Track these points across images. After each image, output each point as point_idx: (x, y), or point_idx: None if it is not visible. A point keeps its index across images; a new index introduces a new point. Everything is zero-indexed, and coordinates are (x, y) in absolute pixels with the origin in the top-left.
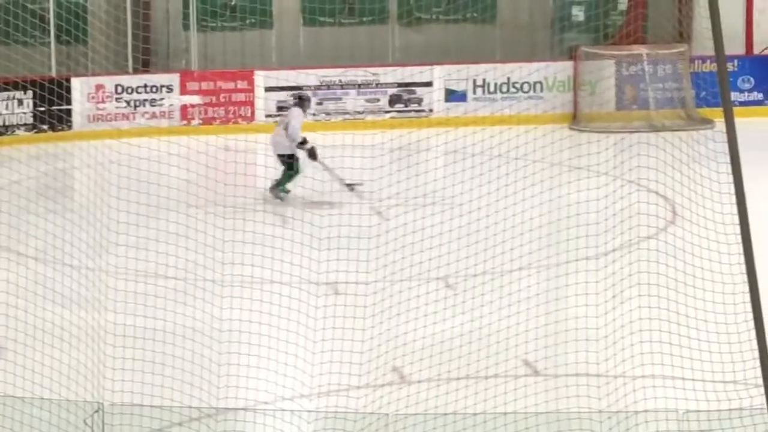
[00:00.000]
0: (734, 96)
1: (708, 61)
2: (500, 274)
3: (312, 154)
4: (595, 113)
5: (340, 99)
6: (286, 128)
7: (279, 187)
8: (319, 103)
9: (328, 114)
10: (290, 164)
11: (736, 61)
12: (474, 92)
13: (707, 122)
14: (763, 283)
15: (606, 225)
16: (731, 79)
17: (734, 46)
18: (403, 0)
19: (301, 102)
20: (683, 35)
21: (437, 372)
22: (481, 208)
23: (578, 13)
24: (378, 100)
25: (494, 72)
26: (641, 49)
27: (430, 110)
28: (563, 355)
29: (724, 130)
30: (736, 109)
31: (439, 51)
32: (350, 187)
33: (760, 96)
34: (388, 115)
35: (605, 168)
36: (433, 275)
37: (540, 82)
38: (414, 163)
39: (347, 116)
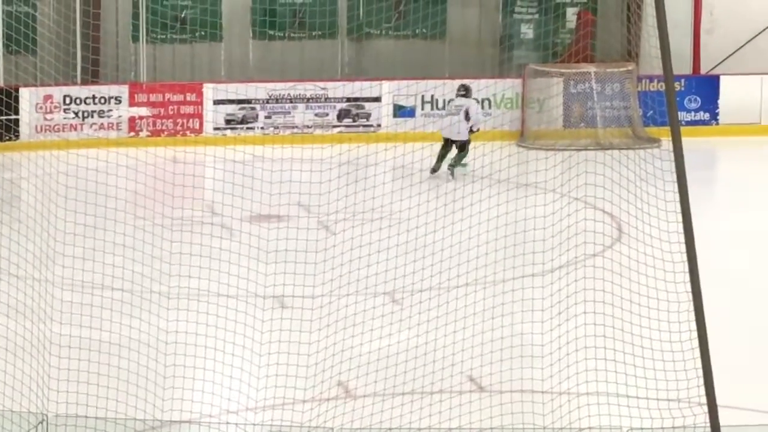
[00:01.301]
0: (681, 115)
1: (655, 81)
2: (446, 290)
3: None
4: (542, 131)
5: (288, 113)
6: (467, 117)
7: (459, 165)
8: (268, 117)
9: (276, 128)
10: (463, 147)
11: (683, 81)
12: (422, 108)
13: (654, 141)
14: (708, 302)
15: (552, 242)
16: (678, 99)
17: (681, 65)
18: (353, 15)
19: (470, 92)
20: (631, 54)
21: (382, 387)
22: (428, 224)
23: (527, 31)
24: (327, 114)
25: (443, 88)
26: (589, 68)
27: (379, 125)
28: (508, 372)
29: (671, 149)
30: (682, 129)
31: (388, 66)
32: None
33: (707, 116)
34: (336, 130)
35: (552, 185)
36: (380, 290)
37: (488, 99)
38: (362, 178)
39: (296, 130)
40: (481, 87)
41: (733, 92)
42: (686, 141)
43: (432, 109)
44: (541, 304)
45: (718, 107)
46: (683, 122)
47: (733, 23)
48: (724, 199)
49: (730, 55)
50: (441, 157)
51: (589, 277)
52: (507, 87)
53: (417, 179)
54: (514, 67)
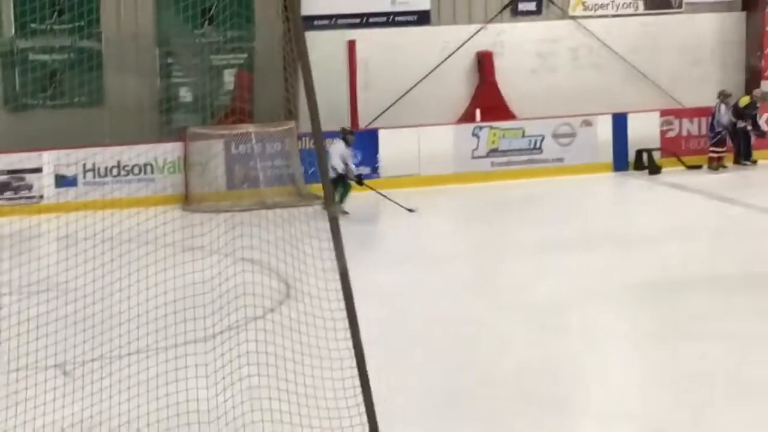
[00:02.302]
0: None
1: None
2: (117, 358)
3: (359, 181)
4: (206, 193)
5: None
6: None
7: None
8: None
9: None
10: (338, 183)
11: None
12: (84, 176)
13: (317, 198)
14: (370, 358)
15: (220, 303)
16: None
17: (340, 121)
18: (8, 86)
19: (345, 137)
20: (291, 113)
21: None
22: (95, 292)
23: (186, 94)
24: None
25: (103, 155)
26: (249, 128)
27: (41, 196)
28: None
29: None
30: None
31: (48, 136)
32: (409, 210)
33: (368, 170)
34: None
35: (216, 247)
36: (49, 363)
37: (150, 164)
38: (25, 251)
39: None
40: (141, 152)
41: (391, 145)
42: (349, 196)
43: (94, 177)
44: (213, 367)
45: (378, 161)
46: None
47: (388, 78)
48: (388, 251)
49: (387, 109)
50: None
51: (253, 340)
52: (168, 151)
53: (81, 248)
54: (174, 131)
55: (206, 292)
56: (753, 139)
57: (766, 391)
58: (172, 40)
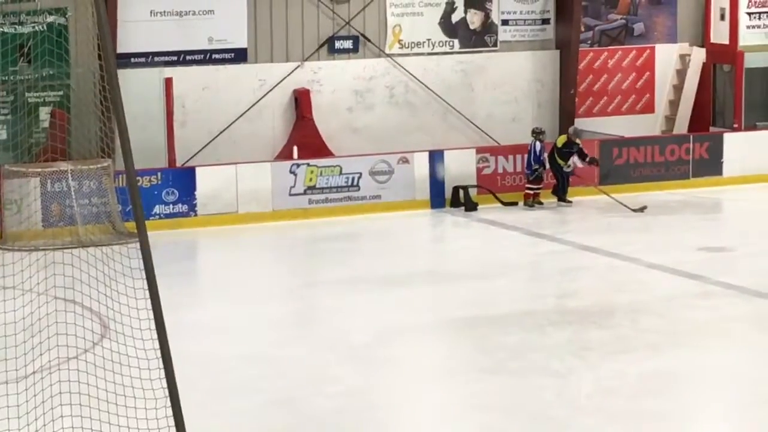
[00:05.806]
0: (159, 209)
1: None
2: None
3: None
4: (21, 231)
5: None
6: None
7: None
8: None
9: None
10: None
11: (159, 174)
12: None
13: (134, 236)
14: (184, 397)
15: (33, 343)
16: (156, 193)
17: (157, 158)
18: None
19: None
20: (107, 151)
21: None
22: None
23: (0, 132)
24: None
25: None
26: (65, 166)
27: None
28: None
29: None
30: (162, 222)
31: None
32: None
33: (185, 208)
34: None
35: (30, 285)
36: None
37: None
38: None
39: None
40: None
41: (209, 183)
42: (167, 233)
43: None
44: (25, 408)
45: (195, 198)
46: (162, 215)
47: (205, 115)
48: (203, 289)
49: (205, 146)
50: None
51: (70, 380)
52: None
53: None
54: None
55: (19, 331)
56: (570, 179)
57: (575, 424)
58: None
